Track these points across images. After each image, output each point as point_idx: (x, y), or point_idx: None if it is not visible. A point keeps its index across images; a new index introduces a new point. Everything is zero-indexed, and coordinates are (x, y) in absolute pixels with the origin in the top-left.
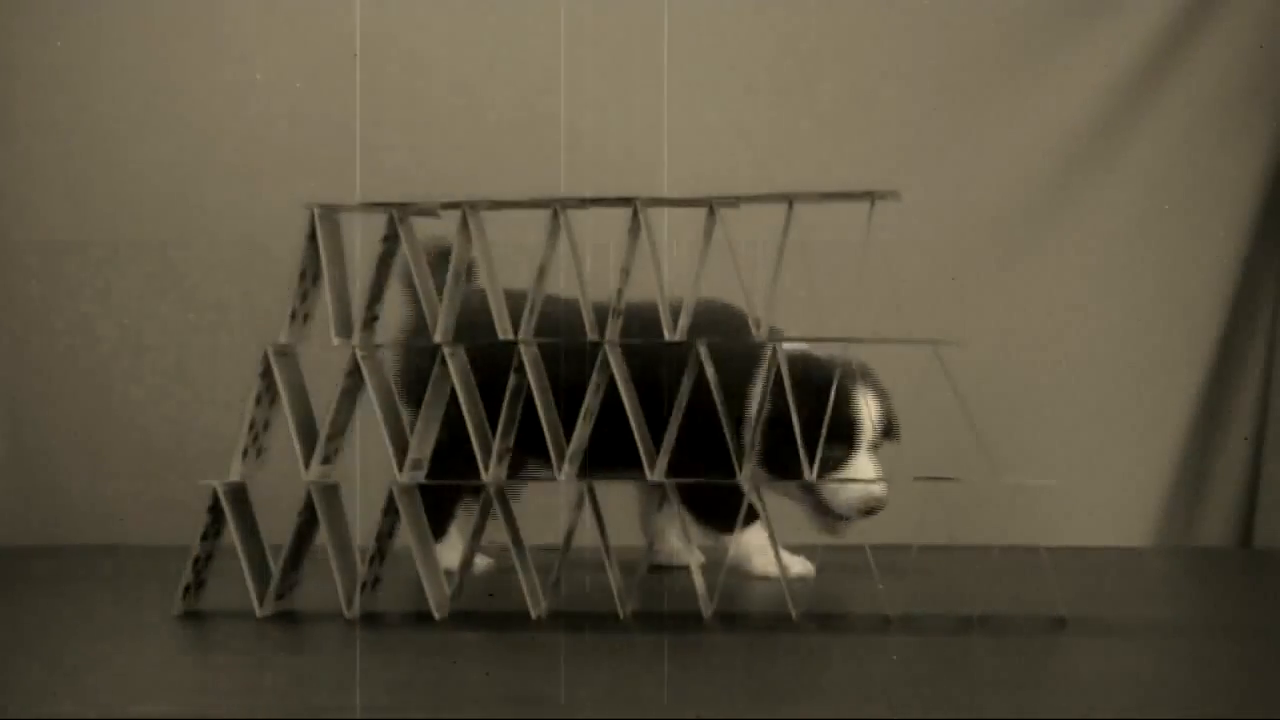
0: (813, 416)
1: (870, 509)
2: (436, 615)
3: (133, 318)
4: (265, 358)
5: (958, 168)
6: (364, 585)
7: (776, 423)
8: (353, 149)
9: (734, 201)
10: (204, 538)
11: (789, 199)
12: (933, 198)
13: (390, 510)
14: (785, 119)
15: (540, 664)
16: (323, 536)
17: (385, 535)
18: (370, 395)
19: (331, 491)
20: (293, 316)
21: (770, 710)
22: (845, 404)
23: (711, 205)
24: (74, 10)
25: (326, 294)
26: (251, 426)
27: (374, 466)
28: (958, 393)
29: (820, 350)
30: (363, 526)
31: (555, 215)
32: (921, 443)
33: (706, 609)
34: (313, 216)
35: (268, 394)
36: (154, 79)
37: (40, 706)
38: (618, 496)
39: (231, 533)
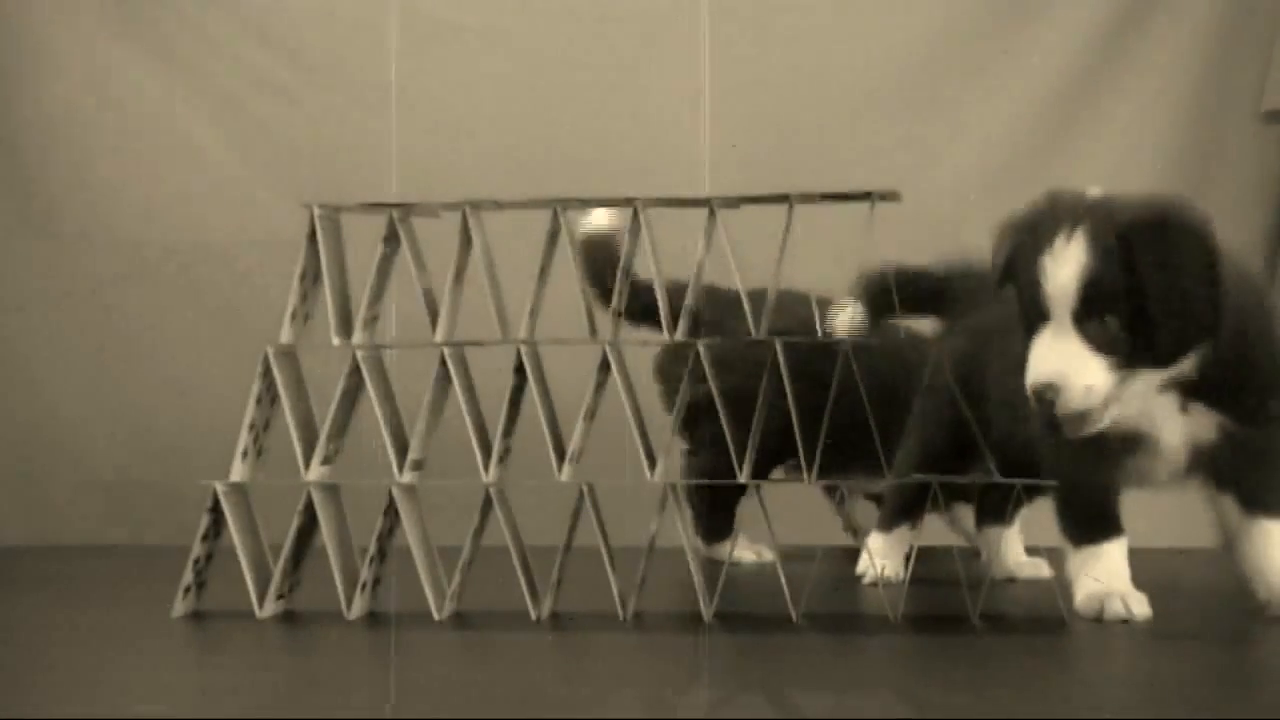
0: None
1: None
2: (436, 615)
3: (132, 318)
4: (265, 358)
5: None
6: (364, 585)
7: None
8: (352, 150)
9: (734, 202)
10: (204, 538)
11: (789, 199)
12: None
13: (390, 510)
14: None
15: (541, 664)
16: (323, 536)
17: (385, 535)
18: (370, 395)
19: (331, 491)
20: (293, 316)
21: (773, 710)
22: None
23: (711, 205)
24: (74, 14)
25: (327, 294)
26: (251, 426)
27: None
28: (957, 392)
29: None
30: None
31: (555, 215)
32: None
33: (707, 610)
34: (313, 216)
35: (268, 394)
36: (152, 80)
37: (41, 707)
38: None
39: (231, 533)
